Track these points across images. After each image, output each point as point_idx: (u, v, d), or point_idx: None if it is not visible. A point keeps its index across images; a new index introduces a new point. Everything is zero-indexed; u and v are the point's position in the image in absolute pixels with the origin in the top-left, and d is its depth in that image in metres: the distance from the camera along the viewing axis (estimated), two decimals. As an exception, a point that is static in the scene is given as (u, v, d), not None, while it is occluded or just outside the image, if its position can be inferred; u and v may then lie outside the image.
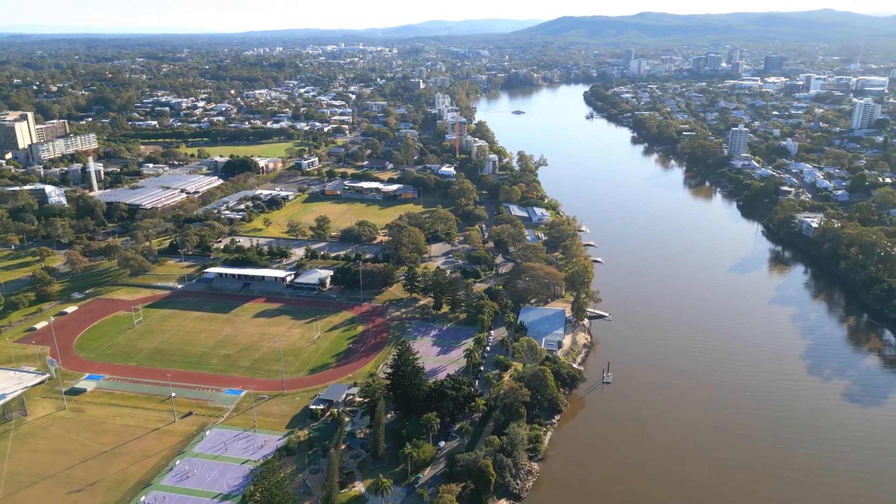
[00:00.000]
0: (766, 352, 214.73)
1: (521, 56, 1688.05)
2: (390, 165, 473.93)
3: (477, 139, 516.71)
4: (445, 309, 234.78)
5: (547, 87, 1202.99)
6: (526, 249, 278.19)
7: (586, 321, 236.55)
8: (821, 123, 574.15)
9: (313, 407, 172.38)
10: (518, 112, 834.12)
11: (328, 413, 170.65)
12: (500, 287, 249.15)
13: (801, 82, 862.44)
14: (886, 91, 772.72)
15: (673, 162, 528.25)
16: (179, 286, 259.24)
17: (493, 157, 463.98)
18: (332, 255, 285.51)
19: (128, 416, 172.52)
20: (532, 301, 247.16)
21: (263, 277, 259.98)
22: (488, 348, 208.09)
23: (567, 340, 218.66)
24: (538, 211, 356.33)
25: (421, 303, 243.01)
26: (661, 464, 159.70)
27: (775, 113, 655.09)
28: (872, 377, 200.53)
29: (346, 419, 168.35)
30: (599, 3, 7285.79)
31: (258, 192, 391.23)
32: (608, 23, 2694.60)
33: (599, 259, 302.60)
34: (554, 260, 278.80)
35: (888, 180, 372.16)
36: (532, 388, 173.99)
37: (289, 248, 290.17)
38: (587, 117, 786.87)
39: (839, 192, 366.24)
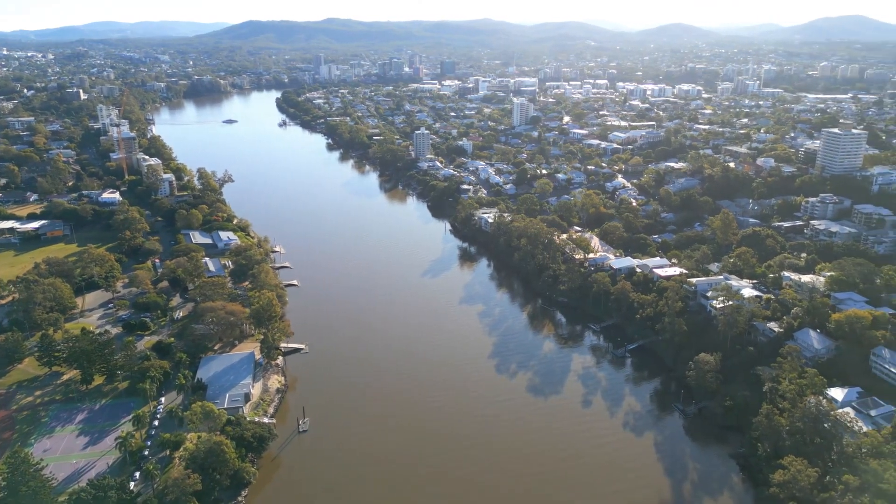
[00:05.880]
0: (462, 359, 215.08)
1: (208, 61, 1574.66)
2: (34, 197, 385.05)
3: (149, 157, 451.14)
4: (99, 381, 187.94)
5: (237, 94, 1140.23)
6: (205, 286, 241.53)
7: (280, 360, 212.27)
8: (489, 122, 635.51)
9: None
10: (230, 121, 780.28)
11: None
12: (172, 340, 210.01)
13: (471, 85, 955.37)
14: (537, 90, 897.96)
15: (368, 167, 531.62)
16: None
17: (170, 176, 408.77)
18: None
19: None
20: (216, 348, 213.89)
21: None
22: (156, 423, 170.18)
23: (257, 389, 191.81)
24: (224, 235, 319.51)
25: (65, 377, 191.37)
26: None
27: (453, 114, 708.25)
28: (550, 364, 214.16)
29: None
30: (286, 9, 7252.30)
31: None
32: (297, 28, 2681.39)
33: (295, 282, 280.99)
34: (242, 292, 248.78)
35: (544, 171, 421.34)
36: (208, 468, 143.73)
37: None
38: (280, 125, 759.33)
39: (508, 186, 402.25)
